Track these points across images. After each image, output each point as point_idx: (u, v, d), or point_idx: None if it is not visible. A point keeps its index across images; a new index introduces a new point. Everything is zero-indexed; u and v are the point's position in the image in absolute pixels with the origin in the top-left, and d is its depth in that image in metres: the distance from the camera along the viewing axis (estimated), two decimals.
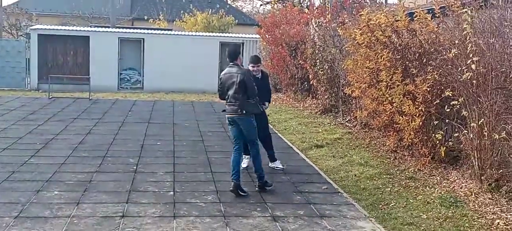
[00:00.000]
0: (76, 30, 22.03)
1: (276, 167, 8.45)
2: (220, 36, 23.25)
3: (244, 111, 7.09)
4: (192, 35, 23.34)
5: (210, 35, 23.21)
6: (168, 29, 26.73)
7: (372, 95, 9.44)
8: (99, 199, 6.54)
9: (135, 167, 8.24)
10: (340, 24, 11.66)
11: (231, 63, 7.24)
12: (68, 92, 18.64)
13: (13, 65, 20.64)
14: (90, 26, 25.32)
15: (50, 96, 17.12)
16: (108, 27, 25.17)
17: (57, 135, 10.68)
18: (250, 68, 8.14)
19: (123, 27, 26.64)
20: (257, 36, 21.27)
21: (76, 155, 8.95)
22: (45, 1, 37.63)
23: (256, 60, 8.47)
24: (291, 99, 17.64)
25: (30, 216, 5.82)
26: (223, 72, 7.36)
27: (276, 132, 12.06)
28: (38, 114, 13.37)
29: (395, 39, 8.90)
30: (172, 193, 6.95)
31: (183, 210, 6.26)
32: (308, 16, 17.24)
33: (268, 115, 14.49)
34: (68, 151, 9.15)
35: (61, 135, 10.65)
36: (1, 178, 7.26)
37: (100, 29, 22.91)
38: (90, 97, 17.12)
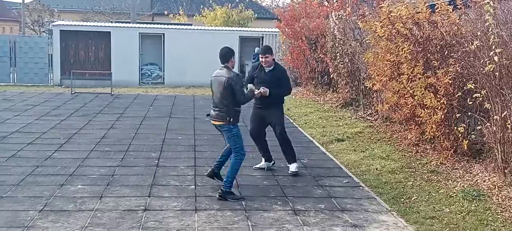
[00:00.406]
0: (97, 26, 22.26)
1: (291, 171, 7.73)
2: (240, 30, 23.31)
3: (230, 120, 6.61)
4: (211, 29, 23.41)
5: (229, 30, 23.28)
6: (188, 24, 26.84)
7: (393, 88, 9.37)
8: (121, 192, 6.62)
9: (156, 161, 8.31)
10: (361, 16, 11.56)
11: (221, 66, 6.78)
12: (90, 87, 18.85)
13: (36, 61, 20.94)
14: (111, 22, 25.54)
15: (73, 92, 17.34)
16: (129, 22, 25.40)
17: (80, 129, 10.82)
18: (260, 59, 7.70)
19: (143, 23, 26.86)
20: (277, 30, 21.23)
21: (99, 149, 9.06)
22: None
23: (265, 50, 7.71)
24: (311, 93, 17.59)
25: (54, 209, 5.92)
26: (212, 74, 6.91)
27: (297, 126, 12.06)
28: (61, 109, 13.56)
29: (416, 32, 8.81)
30: (193, 186, 7.00)
31: (205, 203, 6.30)
32: (328, 9, 17.13)
33: (288, 109, 14.56)
34: (91, 146, 9.27)
35: (84, 130, 10.79)
36: (25, 172, 7.39)
37: (121, 24, 23.13)
38: (112, 93, 17.29)
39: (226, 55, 6.80)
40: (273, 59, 7.78)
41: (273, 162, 8.09)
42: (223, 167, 7.08)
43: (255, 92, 7.25)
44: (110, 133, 10.58)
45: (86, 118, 12.24)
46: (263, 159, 8.06)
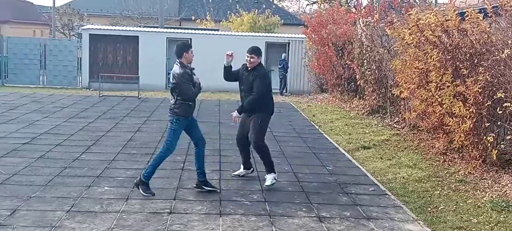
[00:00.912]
0: (125, 30, 22.55)
1: (265, 185, 7.21)
2: (266, 36, 23.32)
3: (175, 112, 6.68)
4: (238, 35, 23.52)
5: (256, 35, 23.31)
6: (215, 29, 27.01)
7: (421, 96, 9.27)
8: (147, 195, 6.66)
9: (182, 165, 8.35)
10: (388, 23, 11.48)
11: (177, 61, 6.75)
12: (117, 91, 19.09)
13: (66, 64, 21.30)
14: (139, 26, 25.84)
15: (101, 95, 17.58)
16: (157, 27, 25.64)
17: (107, 132, 10.95)
18: (246, 57, 7.39)
19: (171, 27, 27.09)
20: (303, 36, 21.21)
21: (126, 152, 9.16)
22: (96, 2, 38.63)
23: (251, 50, 7.40)
24: (337, 100, 17.52)
25: (81, 210, 5.99)
26: None
27: (322, 132, 12.01)
28: (89, 112, 13.75)
29: (445, 39, 8.70)
30: (218, 191, 7.01)
31: (229, 208, 6.31)
32: (356, 16, 17.07)
33: (314, 116, 14.52)
34: (118, 148, 9.38)
35: (111, 132, 10.92)
36: (53, 173, 7.50)
37: (149, 29, 23.36)
38: (139, 96, 17.47)
39: (179, 50, 6.76)
40: (259, 63, 7.43)
41: (252, 169, 7.80)
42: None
43: (232, 115, 7.43)
44: (137, 135, 10.69)
45: (113, 120, 12.39)
46: (241, 166, 7.78)
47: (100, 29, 22.36)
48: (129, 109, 14.51)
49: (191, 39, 21.60)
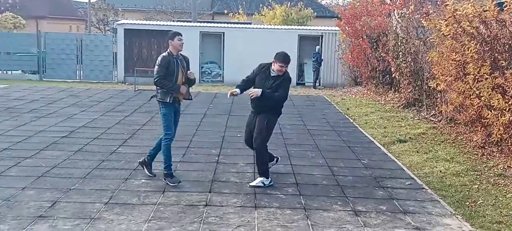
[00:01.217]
0: (159, 24, 22.77)
1: (249, 185, 6.96)
2: (299, 29, 23.22)
3: (157, 97, 6.98)
4: (271, 28, 23.49)
5: (288, 28, 23.24)
6: (247, 23, 27.02)
7: (459, 88, 9.10)
8: (183, 188, 6.74)
9: (217, 158, 8.41)
10: (424, 15, 11.27)
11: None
12: (152, 85, 19.23)
13: (101, 59, 21.67)
14: (173, 21, 26.05)
15: (136, 89, 17.81)
16: (190, 21, 25.81)
17: (143, 125, 11.10)
18: (274, 65, 7.03)
19: (204, 22, 27.23)
20: (337, 28, 21.05)
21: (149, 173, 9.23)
22: None
23: (282, 59, 7.02)
24: (372, 93, 17.35)
25: (119, 202, 6.10)
26: None
27: (357, 125, 11.92)
28: (125, 106, 13.96)
29: (483, 30, 8.51)
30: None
31: (264, 201, 6.33)
32: (390, 7, 16.81)
33: (348, 109, 14.41)
34: (154, 141, 9.46)
35: (146, 126, 11.07)
36: (91, 166, 7.65)
37: (182, 23, 23.53)
38: None
39: (167, 38, 7.08)
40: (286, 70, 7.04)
41: (276, 158, 7.65)
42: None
43: (250, 93, 7.16)
44: None
45: (148, 114, 12.54)
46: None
47: (134, 24, 22.64)
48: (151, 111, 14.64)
49: (223, 33, 21.69)
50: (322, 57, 21.09)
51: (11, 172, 7.24)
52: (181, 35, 7.16)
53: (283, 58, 6.96)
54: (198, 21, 26.35)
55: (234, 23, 27.29)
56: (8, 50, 21.91)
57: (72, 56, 21.78)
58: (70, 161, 7.93)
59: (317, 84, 21.04)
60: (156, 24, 22.84)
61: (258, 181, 6.95)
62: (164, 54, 7.01)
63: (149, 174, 7.20)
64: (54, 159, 8.02)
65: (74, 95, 15.79)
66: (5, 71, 22.38)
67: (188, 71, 7.09)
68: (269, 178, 6.99)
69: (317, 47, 21.20)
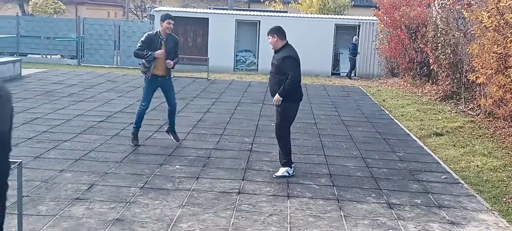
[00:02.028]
0: (196, 12, 22.88)
1: (276, 175, 6.85)
2: (336, 18, 23.00)
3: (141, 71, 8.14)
4: (307, 17, 23.31)
5: (325, 17, 23.04)
6: (284, 11, 26.89)
7: (499, 82, 8.87)
8: (216, 175, 6.79)
9: (250, 146, 8.44)
10: (466, 6, 11.02)
11: None
12: (187, 72, 19.44)
13: None
14: (210, 8, 26.13)
15: (172, 76, 17.94)
16: (226, 9, 25.86)
17: (178, 112, 11.10)
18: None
19: (240, 10, 27.24)
20: (374, 18, 20.76)
21: (196, 132, 9.36)
22: None
23: (268, 31, 6.96)
24: (408, 85, 17.09)
25: (154, 187, 6.18)
26: None
27: (393, 117, 11.76)
28: (160, 91, 14.03)
29: None
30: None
31: (297, 190, 6.32)
32: None
33: (384, 100, 14.23)
34: (188, 128, 9.59)
35: (182, 113, 11.16)
36: (127, 151, 7.78)
37: (218, 11, 23.60)
38: (208, 78, 17.74)
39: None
40: (285, 43, 6.87)
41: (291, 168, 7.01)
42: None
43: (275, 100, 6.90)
44: (206, 116, 10.88)
45: (184, 101, 12.65)
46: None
47: (172, 11, 22.79)
48: (198, 90, 14.76)
49: (259, 21, 21.66)
50: (359, 50, 20.86)
51: (50, 154, 7.42)
52: (171, 19, 7.80)
53: (269, 30, 6.87)
54: (234, 9, 26.38)
55: (270, 11, 27.20)
56: (48, 35, 22.41)
57: (110, 42, 22.13)
58: (107, 145, 8.08)
59: (352, 74, 20.86)
60: (193, 12, 22.95)
61: (283, 171, 6.86)
62: (149, 33, 7.92)
63: (175, 141, 8.26)
64: (91, 142, 8.18)
65: (111, 80, 16.04)
66: (45, 56, 22.91)
67: (167, 61, 7.85)
68: (292, 168, 6.93)
69: (355, 37, 20.97)
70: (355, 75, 21.06)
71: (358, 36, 21.23)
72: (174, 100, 8.25)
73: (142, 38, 7.77)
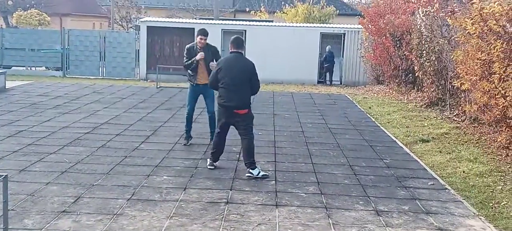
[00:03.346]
0: (182, 22, 22.87)
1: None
2: (321, 27, 23.12)
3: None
4: (293, 26, 23.40)
5: (310, 26, 23.15)
6: (269, 21, 26.98)
7: (484, 88, 8.96)
8: (204, 185, 6.77)
9: (238, 155, 8.42)
10: (450, 13, 11.13)
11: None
12: (173, 82, 19.41)
13: (124, 56, 21.85)
14: (195, 18, 26.14)
15: (158, 86, 17.93)
16: (212, 19, 25.88)
17: (164, 122, 11.17)
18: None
19: (225, 19, 27.28)
20: (359, 26, 20.91)
21: (183, 142, 9.31)
22: None
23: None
24: (394, 92, 17.20)
25: (141, 198, 6.15)
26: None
27: (379, 125, 11.82)
28: (147, 102, 14.06)
29: (510, 29, 8.36)
30: (274, 182, 7.03)
31: (285, 199, 6.32)
32: (415, 6, 16.62)
33: (370, 107, 14.32)
34: (176, 138, 9.56)
35: (168, 123, 11.13)
36: (114, 162, 7.73)
37: (204, 21, 23.60)
38: None
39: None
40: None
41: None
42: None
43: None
44: (194, 126, 10.79)
45: (170, 111, 12.61)
46: None
47: (157, 21, 22.78)
48: (185, 100, 14.65)
49: (245, 30, 21.70)
50: (334, 59, 21.28)
51: (35, 167, 7.35)
52: (203, 35, 8.89)
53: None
54: (220, 19, 26.40)
55: (256, 21, 27.27)
56: (32, 47, 22.25)
57: (95, 53, 22.02)
58: (93, 157, 8.02)
59: (327, 80, 21.47)
60: (178, 22, 22.95)
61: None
62: (188, 45, 9.08)
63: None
64: (78, 154, 8.12)
65: (97, 92, 15.95)
66: (29, 68, 22.73)
67: (210, 64, 8.66)
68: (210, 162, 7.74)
69: (328, 46, 21.28)
70: (330, 83, 21.39)
71: (343, 45, 21.43)
72: (212, 107, 8.77)
73: (185, 52, 8.97)
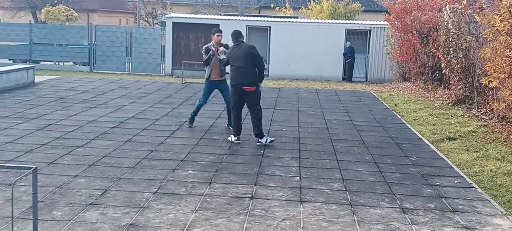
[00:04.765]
0: (207, 18, 22.97)
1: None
2: (346, 23, 22.99)
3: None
4: (317, 22, 23.29)
5: (335, 23, 23.04)
6: (294, 17, 26.93)
7: None
8: (229, 179, 6.81)
9: (262, 151, 8.44)
10: (477, 10, 10.97)
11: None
12: (198, 78, 19.47)
13: (150, 51, 22.06)
14: (220, 15, 26.21)
15: (183, 82, 18.05)
16: (237, 15, 25.93)
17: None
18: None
19: (250, 15, 27.30)
20: (385, 23, 20.73)
21: (208, 137, 9.39)
22: None
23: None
24: (420, 89, 17.02)
25: (167, 192, 6.21)
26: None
27: (405, 122, 11.72)
28: (172, 98, 14.18)
29: None
30: (298, 178, 7.03)
31: (310, 195, 6.32)
32: (442, 2, 16.43)
33: (396, 105, 14.21)
34: (200, 133, 9.62)
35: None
36: (140, 156, 7.82)
37: (229, 17, 23.66)
38: None
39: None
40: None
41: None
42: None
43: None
44: (218, 122, 10.91)
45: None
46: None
47: (182, 17, 22.91)
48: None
49: (270, 27, 21.70)
50: (354, 54, 21.06)
51: (63, 160, 7.48)
52: (219, 32, 9.84)
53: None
54: (244, 15, 26.43)
55: (280, 17, 27.24)
56: (60, 42, 22.61)
57: (122, 49, 22.26)
58: (120, 151, 8.13)
59: (350, 77, 21.23)
60: (203, 18, 23.05)
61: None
62: (206, 45, 9.90)
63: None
64: (105, 148, 8.23)
65: (123, 87, 16.13)
66: (57, 63, 23.11)
67: (220, 49, 9.72)
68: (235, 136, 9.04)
69: (348, 42, 21.11)
70: (350, 78, 21.20)
71: (368, 41, 21.27)
72: (229, 98, 9.51)
73: (203, 51, 9.86)
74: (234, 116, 9.05)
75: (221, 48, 9.71)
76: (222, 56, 9.55)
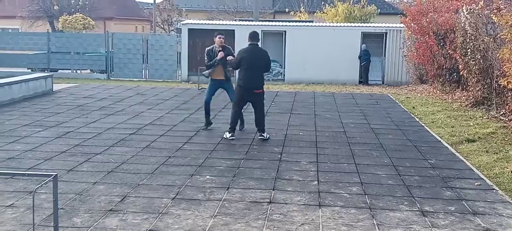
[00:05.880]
0: (222, 24, 23.04)
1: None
2: (362, 26, 22.90)
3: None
4: (333, 26, 23.26)
5: (351, 26, 22.95)
6: (309, 21, 26.89)
7: None
8: (247, 184, 6.81)
9: (279, 156, 8.43)
10: (495, 10, 10.85)
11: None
12: None
13: (166, 58, 22.19)
14: (235, 20, 26.29)
15: (200, 88, 18.12)
16: (252, 20, 25.97)
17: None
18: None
19: (265, 20, 27.34)
20: (401, 25, 20.61)
21: (225, 142, 9.40)
22: None
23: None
24: (438, 91, 16.88)
25: (185, 198, 6.23)
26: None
27: (423, 124, 11.63)
28: (189, 104, 14.24)
29: None
30: (316, 182, 7.01)
31: (328, 199, 6.29)
32: (458, 3, 16.28)
33: (413, 107, 14.10)
34: (218, 139, 9.64)
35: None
36: (159, 162, 7.86)
37: (244, 22, 23.71)
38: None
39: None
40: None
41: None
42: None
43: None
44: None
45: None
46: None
47: (198, 24, 23.02)
48: (226, 101, 14.77)
49: (285, 31, 21.70)
50: (370, 57, 20.96)
51: (82, 167, 7.55)
52: (221, 35, 10.25)
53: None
54: (259, 20, 26.47)
55: (295, 21, 27.22)
56: (78, 50, 22.86)
57: (138, 56, 22.43)
58: (138, 157, 8.18)
59: (366, 80, 21.13)
60: (219, 24, 23.12)
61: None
62: (208, 47, 10.27)
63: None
64: (123, 155, 8.29)
65: (140, 93, 16.24)
66: (75, 71, 23.36)
67: (228, 57, 9.94)
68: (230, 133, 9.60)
69: (363, 45, 21.02)
70: (366, 81, 21.07)
71: (384, 44, 21.17)
72: (233, 96, 10.10)
73: (206, 54, 10.16)
74: (234, 113, 9.62)
75: (230, 57, 9.94)
76: (229, 64, 9.98)
